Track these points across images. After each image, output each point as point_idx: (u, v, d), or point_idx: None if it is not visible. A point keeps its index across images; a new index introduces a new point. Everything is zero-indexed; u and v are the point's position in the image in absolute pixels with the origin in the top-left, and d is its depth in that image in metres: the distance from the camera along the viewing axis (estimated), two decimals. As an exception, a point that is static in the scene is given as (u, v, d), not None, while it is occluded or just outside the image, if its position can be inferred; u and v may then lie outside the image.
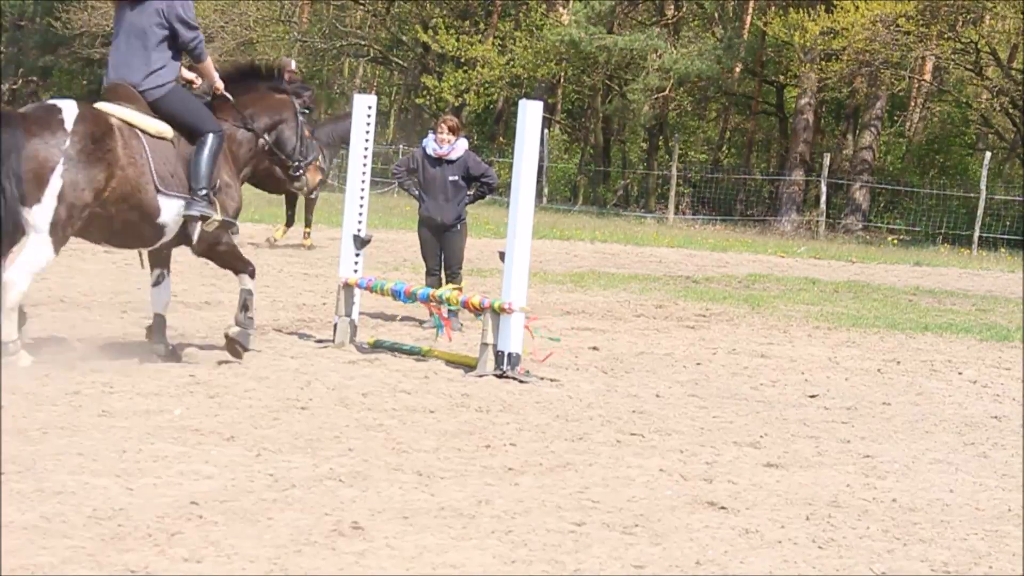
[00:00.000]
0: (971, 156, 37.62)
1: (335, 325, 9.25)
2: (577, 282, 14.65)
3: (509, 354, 8.21)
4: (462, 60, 35.82)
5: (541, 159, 34.56)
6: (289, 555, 4.34)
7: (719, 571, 4.60)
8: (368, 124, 9.49)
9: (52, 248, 7.13)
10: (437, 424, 6.66)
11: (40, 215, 7.04)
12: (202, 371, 7.57)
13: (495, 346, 8.26)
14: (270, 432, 6.12)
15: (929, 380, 9.51)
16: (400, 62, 41.56)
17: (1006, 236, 29.35)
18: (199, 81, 8.15)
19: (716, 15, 35.77)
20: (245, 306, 8.12)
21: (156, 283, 8.18)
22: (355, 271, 9.36)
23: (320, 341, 9.20)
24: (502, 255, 8.58)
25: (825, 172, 30.52)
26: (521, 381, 8.04)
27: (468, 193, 10.50)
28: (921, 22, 29.79)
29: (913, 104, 39.15)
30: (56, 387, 6.74)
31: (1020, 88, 32.44)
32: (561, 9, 35.58)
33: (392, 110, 44.68)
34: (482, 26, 37.73)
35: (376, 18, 40.75)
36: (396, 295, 9.10)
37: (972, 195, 30.29)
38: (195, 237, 7.84)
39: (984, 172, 29.15)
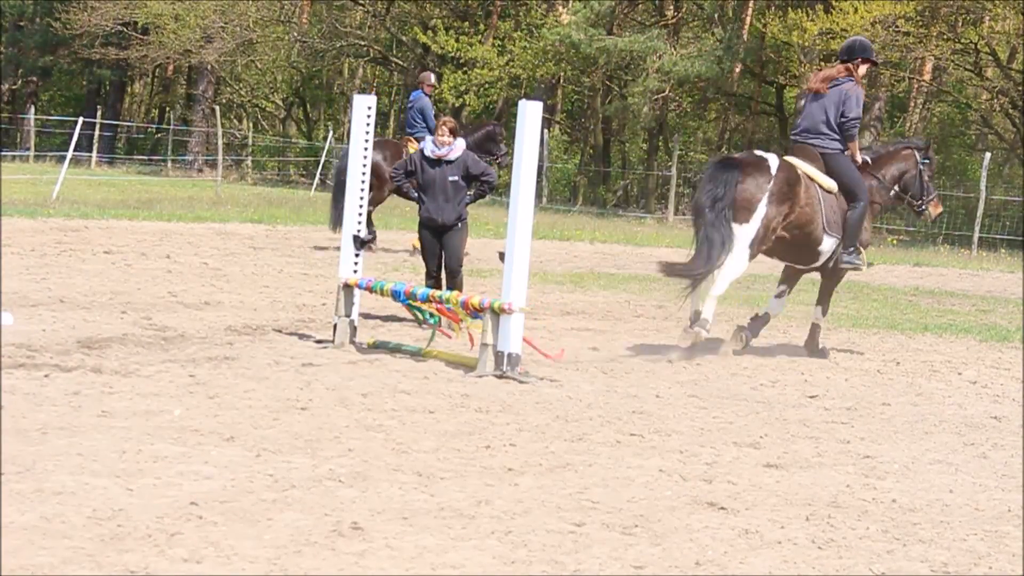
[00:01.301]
0: (971, 156, 37.63)
1: (335, 325, 9.25)
2: (577, 282, 14.65)
3: (509, 354, 8.21)
4: (462, 61, 35.82)
5: (541, 159, 34.57)
6: (289, 555, 4.34)
7: (719, 571, 4.60)
8: (368, 124, 9.49)
9: (747, 260, 9.69)
10: (437, 424, 6.66)
11: (745, 233, 9.58)
12: (202, 371, 7.58)
13: (495, 346, 8.26)
14: (270, 432, 6.12)
15: (929, 381, 9.51)
16: (400, 62, 41.56)
17: (1006, 236, 29.36)
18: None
19: (716, 16, 35.76)
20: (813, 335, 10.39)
21: (778, 295, 10.65)
22: (355, 271, 9.37)
23: (320, 341, 9.20)
24: (502, 255, 8.59)
25: (825, 172, 30.52)
26: (521, 381, 8.04)
27: (468, 193, 10.48)
28: (920, 23, 29.79)
29: (913, 104, 39.17)
30: (56, 387, 6.75)
31: (1020, 88, 32.45)
32: (561, 9, 35.57)
33: (392, 110, 44.69)
34: (482, 26, 37.72)
35: (376, 19, 40.76)
36: (396, 296, 9.10)
37: (972, 196, 30.29)
38: (830, 268, 10.32)
39: (984, 173, 29.15)
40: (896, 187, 10.72)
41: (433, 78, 18.09)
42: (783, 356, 10.16)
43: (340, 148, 35.96)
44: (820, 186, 9.95)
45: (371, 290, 9.21)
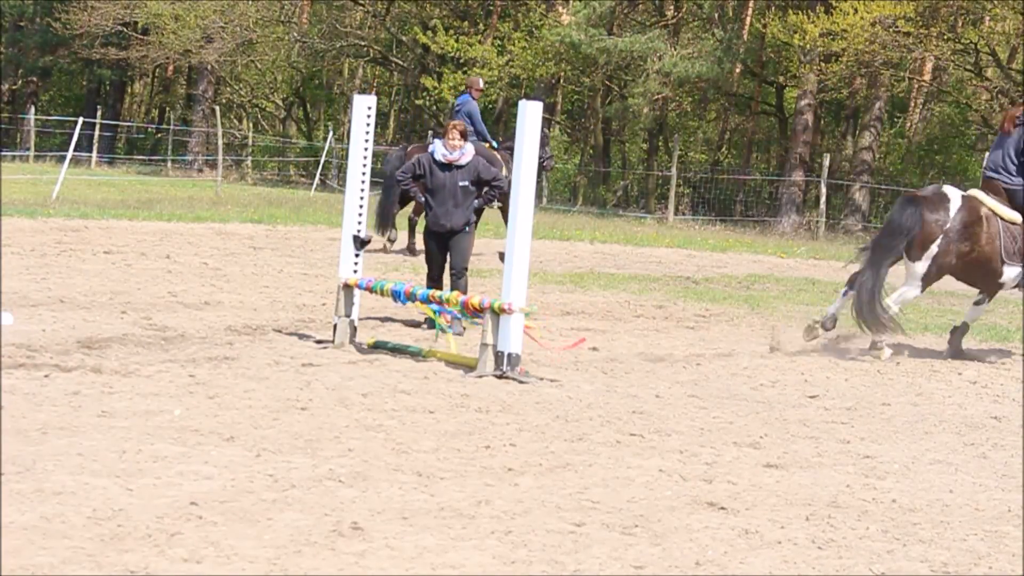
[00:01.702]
0: (971, 157, 37.63)
1: (335, 325, 9.24)
2: (577, 282, 14.65)
3: (509, 354, 8.21)
4: (461, 61, 35.83)
5: (540, 159, 34.50)
6: (289, 555, 4.34)
7: (719, 571, 4.60)
8: (368, 125, 9.49)
9: (919, 291, 10.65)
10: (437, 424, 6.66)
11: (918, 269, 10.44)
12: (202, 371, 7.57)
13: (495, 346, 8.25)
14: (270, 432, 6.12)
15: (929, 380, 9.52)
16: (400, 63, 41.59)
17: (1006, 237, 29.32)
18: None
19: (716, 16, 35.77)
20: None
21: (977, 303, 11.06)
22: (355, 271, 9.37)
23: (320, 341, 9.20)
24: (502, 255, 8.58)
25: (825, 173, 30.52)
26: (521, 381, 8.04)
27: (476, 199, 10.28)
28: (921, 23, 29.79)
29: (913, 105, 39.18)
30: (56, 387, 6.75)
31: (1020, 89, 32.44)
32: (560, 9, 35.57)
33: (392, 111, 44.70)
34: (481, 26, 37.74)
35: (376, 19, 40.77)
36: (396, 296, 9.10)
37: (972, 196, 30.24)
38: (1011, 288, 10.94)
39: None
40: None
41: (482, 83, 17.86)
42: (783, 356, 10.16)
43: (340, 148, 35.99)
44: (1002, 218, 10.54)
45: (371, 290, 9.21)
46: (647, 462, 6.16)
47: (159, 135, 43.84)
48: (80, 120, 26.78)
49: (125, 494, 4.86)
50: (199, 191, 27.82)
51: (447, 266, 10.27)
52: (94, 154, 37.26)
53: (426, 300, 8.98)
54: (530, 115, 8.49)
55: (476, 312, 8.60)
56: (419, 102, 38.56)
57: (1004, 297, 16.84)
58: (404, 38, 40.43)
